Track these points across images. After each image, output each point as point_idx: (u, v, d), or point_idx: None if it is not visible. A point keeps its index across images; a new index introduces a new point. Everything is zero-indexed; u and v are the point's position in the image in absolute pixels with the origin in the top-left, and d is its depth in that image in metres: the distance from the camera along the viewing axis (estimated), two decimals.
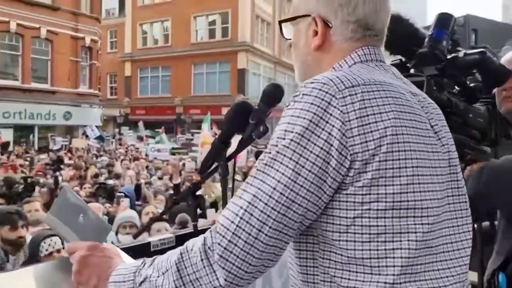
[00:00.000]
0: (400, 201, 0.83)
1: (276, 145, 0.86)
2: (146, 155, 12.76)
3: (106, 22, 31.56)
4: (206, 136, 11.03)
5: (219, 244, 0.84)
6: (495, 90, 1.63)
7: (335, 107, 0.83)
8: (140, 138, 19.60)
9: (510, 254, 1.43)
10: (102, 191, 6.43)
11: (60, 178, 8.59)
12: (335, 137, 0.82)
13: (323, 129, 0.83)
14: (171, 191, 6.72)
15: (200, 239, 0.88)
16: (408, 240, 0.83)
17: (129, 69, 33.54)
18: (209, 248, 0.85)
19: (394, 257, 0.83)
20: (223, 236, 0.84)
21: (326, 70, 0.98)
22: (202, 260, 0.85)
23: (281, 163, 0.84)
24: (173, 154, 12.39)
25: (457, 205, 0.95)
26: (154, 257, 0.96)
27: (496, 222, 1.60)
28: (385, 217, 0.83)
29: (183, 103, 30.75)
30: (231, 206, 0.86)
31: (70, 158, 12.70)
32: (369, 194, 0.82)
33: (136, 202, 6.55)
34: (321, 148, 0.82)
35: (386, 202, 0.83)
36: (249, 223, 0.83)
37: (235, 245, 0.83)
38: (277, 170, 0.84)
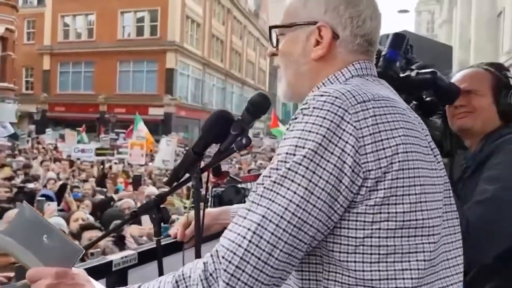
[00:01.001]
0: (409, 220, 0.82)
1: (286, 161, 0.80)
2: (68, 155, 11.94)
3: (23, 11, 29.30)
4: (151, 138, 10.68)
5: (225, 270, 0.77)
6: (446, 108, 1.70)
7: (348, 122, 0.80)
8: (62, 137, 18.33)
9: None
10: (21, 196, 5.87)
11: None
12: (348, 154, 0.79)
13: (336, 145, 0.79)
14: (100, 196, 6.34)
15: (199, 265, 0.80)
16: (417, 260, 0.82)
17: (48, 63, 31.44)
18: (211, 275, 0.78)
19: (404, 278, 0.81)
20: (230, 262, 0.77)
21: (321, 81, 0.95)
22: None
23: (293, 181, 0.79)
24: (98, 155, 11.73)
25: (450, 221, 0.96)
26: (139, 284, 0.86)
27: None
28: (394, 237, 0.81)
29: (107, 101, 29.43)
30: (236, 228, 0.80)
31: None
32: (380, 213, 0.80)
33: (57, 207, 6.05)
34: (335, 165, 0.79)
35: (396, 221, 0.81)
36: (259, 246, 0.77)
37: (243, 271, 0.77)
38: (288, 189, 0.79)
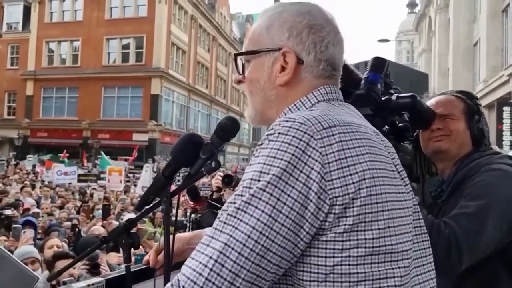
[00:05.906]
0: (379, 246, 0.80)
1: (250, 187, 0.79)
2: (50, 182, 11.68)
3: (7, 36, 29.22)
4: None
5: None
6: (419, 132, 1.72)
7: (313, 148, 0.79)
8: (42, 162, 17.95)
9: None
10: (1, 223, 5.69)
11: None
12: (314, 180, 0.78)
13: (301, 171, 0.78)
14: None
15: None
16: (388, 286, 0.80)
17: (31, 88, 31.16)
18: None
19: None
20: None
21: (288, 106, 0.96)
22: None
23: (256, 207, 0.77)
24: (81, 181, 11.50)
25: (421, 244, 0.95)
26: None
27: None
28: (364, 264, 0.79)
29: (91, 126, 29.20)
30: (198, 256, 0.78)
31: None
32: (349, 240, 0.78)
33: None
34: (300, 192, 0.77)
35: (365, 247, 0.79)
36: (220, 275, 0.75)
37: None
38: (252, 215, 0.77)
